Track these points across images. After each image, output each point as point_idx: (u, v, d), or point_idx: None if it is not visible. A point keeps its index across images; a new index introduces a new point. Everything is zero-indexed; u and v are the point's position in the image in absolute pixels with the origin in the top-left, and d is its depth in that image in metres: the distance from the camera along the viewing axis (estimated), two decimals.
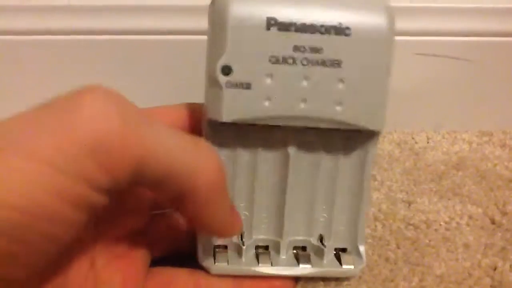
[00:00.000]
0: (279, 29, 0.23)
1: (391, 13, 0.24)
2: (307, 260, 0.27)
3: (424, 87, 0.41)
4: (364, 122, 0.24)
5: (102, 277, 0.24)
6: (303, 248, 0.27)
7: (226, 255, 0.26)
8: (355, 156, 0.26)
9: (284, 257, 0.27)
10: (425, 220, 0.32)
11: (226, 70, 0.23)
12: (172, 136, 0.21)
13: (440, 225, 0.31)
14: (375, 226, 0.31)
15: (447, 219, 0.32)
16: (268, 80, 0.23)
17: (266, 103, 0.23)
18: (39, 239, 0.18)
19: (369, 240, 0.30)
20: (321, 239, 0.27)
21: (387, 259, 0.29)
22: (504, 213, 0.32)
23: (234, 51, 0.23)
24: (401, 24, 0.39)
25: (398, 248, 0.30)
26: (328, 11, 0.23)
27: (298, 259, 0.27)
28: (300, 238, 0.27)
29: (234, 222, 0.24)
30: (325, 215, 0.27)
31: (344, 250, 0.27)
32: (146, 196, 0.26)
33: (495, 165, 0.37)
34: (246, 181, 0.26)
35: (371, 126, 0.25)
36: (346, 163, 0.26)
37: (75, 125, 0.18)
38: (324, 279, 0.27)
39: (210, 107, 0.24)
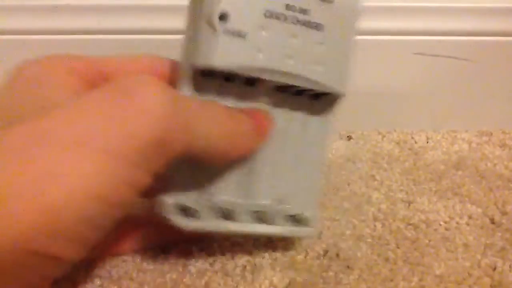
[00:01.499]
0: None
1: None
2: (267, 221, 0.28)
3: (423, 87, 0.41)
4: (334, 85, 0.27)
5: None
6: (263, 212, 0.28)
7: (189, 211, 0.26)
8: (317, 120, 0.28)
9: (245, 217, 0.27)
10: (424, 219, 0.32)
11: (224, 17, 0.23)
12: (216, 121, 0.23)
13: (440, 225, 0.31)
14: (375, 225, 0.31)
15: (446, 219, 0.32)
16: (262, 32, 0.24)
17: (258, 54, 0.24)
18: (109, 223, 0.20)
19: (369, 240, 0.30)
20: (280, 202, 0.28)
21: (386, 259, 0.29)
22: (504, 213, 0.32)
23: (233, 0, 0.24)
24: (400, 23, 0.39)
25: (398, 247, 0.30)
26: None
27: (259, 220, 0.28)
28: (262, 201, 0.28)
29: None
30: (286, 179, 0.28)
31: (301, 214, 0.29)
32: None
33: (495, 164, 0.37)
34: None
35: (339, 89, 0.27)
36: (310, 129, 0.28)
37: (142, 121, 0.20)
38: (323, 277, 0.27)
39: (198, 54, 0.24)
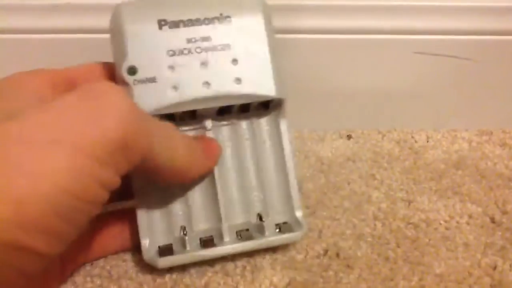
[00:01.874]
0: (170, 27, 0.26)
1: None
2: (249, 237, 0.28)
3: (424, 86, 0.41)
4: (261, 91, 0.27)
5: None
6: (246, 231, 0.29)
7: (171, 249, 0.28)
8: (268, 129, 0.30)
9: (227, 240, 0.28)
10: (425, 219, 0.32)
11: (132, 70, 0.26)
12: (161, 129, 0.24)
13: (440, 224, 0.31)
14: (375, 225, 0.31)
15: (447, 218, 0.32)
16: (171, 71, 0.26)
17: (173, 92, 0.26)
18: (82, 219, 0.21)
19: (369, 239, 0.30)
20: (260, 217, 0.28)
21: (387, 258, 0.29)
22: (504, 212, 0.32)
23: (135, 53, 0.26)
24: (400, 22, 0.39)
25: (398, 247, 0.30)
26: (210, 5, 0.27)
27: (241, 239, 0.28)
28: (240, 221, 0.29)
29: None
30: (258, 193, 0.29)
31: (285, 223, 0.29)
32: None
33: (495, 164, 0.37)
34: None
35: (270, 93, 0.28)
36: (262, 138, 0.29)
37: (110, 121, 0.21)
38: (323, 277, 0.27)
39: None
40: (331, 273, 0.28)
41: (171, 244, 0.28)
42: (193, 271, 0.28)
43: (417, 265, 0.28)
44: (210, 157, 0.27)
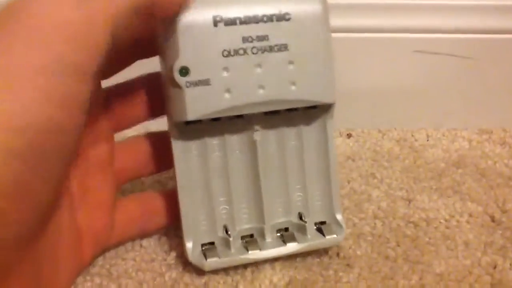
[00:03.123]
0: (226, 24, 0.24)
1: None
2: (293, 238, 0.28)
3: (424, 85, 0.41)
4: (318, 96, 0.26)
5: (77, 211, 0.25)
6: (286, 229, 0.28)
7: (215, 250, 0.27)
8: (315, 131, 0.28)
9: (270, 240, 0.28)
10: (425, 217, 0.32)
11: (184, 71, 0.24)
12: None
13: (440, 222, 0.31)
14: (375, 223, 0.31)
15: (447, 217, 0.32)
16: (225, 73, 0.25)
17: (227, 95, 0.25)
18: (51, 156, 0.18)
19: (369, 238, 0.30)
20: (300, 217, 0.28)
21: (387, 257, 0.29)
22: (504, 211, 0.32)
23: (188, 52, 0.24)
24: (400, 21, 0.39)
25: (398, 245, 0.30)
26: (267, 1, 0.25)
27: (283, 240, 0.28)
28: (281, 220, 0.29)
29: None
30: (300, 193, 0.29)
31: (323, 223, 0.29)
32: (105, 119, 0.27)
33: (495, 162, 0.37)
34: (220, 175, 0.28)
35: (325, 100, 0.26)
36: (309, 139, 0.28)
37: (38, 27, 0.18)
38: (323, 275, 0.27)
39: (174, 110, 0.25)
40: (331, 272, 0.28)
41: (214, 243, 0.27)
42: (193, 269, 0.28)
43: (417, 264, 0.28)
44: None
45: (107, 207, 0.27)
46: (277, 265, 0.28)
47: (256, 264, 0.28)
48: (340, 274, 0.28)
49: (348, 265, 0.28)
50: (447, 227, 0.31)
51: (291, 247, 0.28)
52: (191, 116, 0.25)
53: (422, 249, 0.29)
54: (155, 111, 0.28)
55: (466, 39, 0.39)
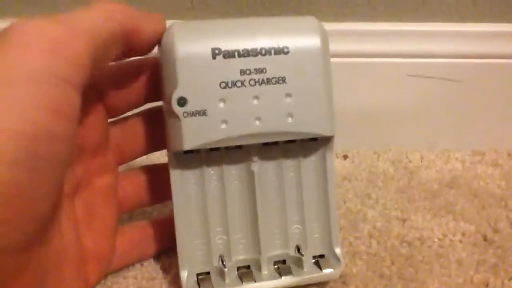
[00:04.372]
0: (224, 57, 0.25)
1: (323, 29, 0.27)
2: (289, 272, 0.28)
3: (417, 108, 0.42)
4: (315, 129, 0.26)
5: (81, 235, 0.26)
6: (283, 262, 0.28)
7: (210, 281, 0.27)
8: (314, 163, 0.28)
9: (266, 272, 0.28)
10: (419, 237, 0.32)
11: (182, 102, 0.25)
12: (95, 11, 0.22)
13: (434, 241, 0.32)
14: (370, 243, 0.32)
15: (440, 236, 0.32)
16: (222, 104, 0.25)
17: (223, 126, 0.25)
18: (48, 164, 0.19)
19: (364, 257, 0.31)
20: (298, 249, 0.28)
21: (381, 275, 0.29)
22: (496, 231, 0.33)
23: (186, 83, 0.24)
24: (394, 46, 0.40)
25: (393, 264, 0.30)
26: (266, 35, 0.25)
27: (279, 272, 0.28)
28: (278, 252, 0.28)
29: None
30: (298, 226, 0.28)
31: (322, 256, 0.28)
32: (110, 151, 0.28)
33: (487, 183, 0.38)
34: (217, 205, 0.28)
35: (322, 132, 0.27)
36: (308, 171, 0.28)
37: (27, 43, 0.19)
38: None
39: (171, 140, 0.26)
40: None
41: (209, 273, 0.27)
42: None
43: (411, 281, 0.29)
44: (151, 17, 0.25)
45: (111, 234, 0.28)
46: None
47: None
48: None
49: (344, 283, 0.29)
50: (440, 246, 0.32)
51: (287, 280, 0.27)
52: (187, 145, 0.25)
53: (416, 268, 0.30)
54: (157, 145, 0.29)
55: (458, 64, 0.40)
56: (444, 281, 0.29)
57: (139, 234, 0.30)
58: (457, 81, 0.41)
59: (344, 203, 0.36)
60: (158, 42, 0.25)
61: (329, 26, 0.37)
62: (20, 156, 0.18)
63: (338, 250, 0.28)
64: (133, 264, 0.30)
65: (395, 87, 0.41)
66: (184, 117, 0.25)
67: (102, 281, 0.29)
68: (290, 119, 0.26)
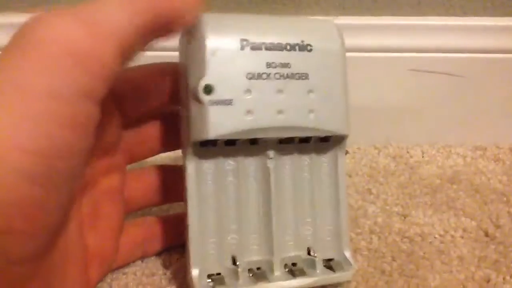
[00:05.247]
0: (252, 48, 0.25)
1: (341, 31, 0.27)
2: (302, 273, 0.27)
3: (419, 103, 0.41)
4: (333, 127, 0.27)
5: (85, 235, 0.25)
6: (294, 264, 0.28)
7: (223, 281, 0.26)
8: (327, 164, 0.28)
9: (278, 274, 0.27)
10: (420, 233, 0.32)
11: (208, 89, 0.24)
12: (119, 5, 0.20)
13: (435, 237, 0.32)
14: (371, 238, 0.32)
15: (441, 232, 0.32)
16: (247, 95, 0.25)
17: (248, 117, 0.25)
18: (62, 178, 0.19)
19: (365, 253, 0.31)
20: (309, 251, 0.28)
21: (382, 271, 0.29)
22: (498, 226, 0.33)
23: (214, 71, 0.24)
24: (395, 41, 0.40)
25: (394, 260, 0.30)
26: (291, 32, 0.26)
27: (292, 274, 0.27)
28: (290, 254, 0.28)
29: None
30: (310, 227, 0.28)
31: (331, 259, 0.28)
32: (119, 150, 0.27)
33: (489, 179, 0.38)
34: (232, 203, 0.27)
35: (340, 131, 0.27)
36: (320, 173, 0.28)
37: (45, 50, 0.18)
38: None
39: (193, 129, 0.25)
40: (328, 286, 0.28)
41: (221, 274, 0.27)
42: None
43: (412, 278, 0.29)
44: None
45: (115, 232, 0.28)
46: None
47: None
48: (337, 287, 0.28)
49: None
50: (441, 242, 0.32)
51: (300, 281, 0.27)
52: (212, 134, 0.25)
53: (417, 264, 0.30)
54: (167, 146, 0.29)
55: (459, 58, 0.40)
56: (445, 277, 0.29)
57: (142, 233, 0.30)
58: (459, 75, 0.41)
59: None
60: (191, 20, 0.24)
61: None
62: (36, 171, 0.18)
63: (348, 254, 0.28)
64: (134, 262, 0.30)
65: (396, 82, 0.41)
66: (210, 105, 0.24)
67: (103, 278, 0.29)
68: (311, 115, 0.26)
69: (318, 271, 0.27)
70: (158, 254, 0.30)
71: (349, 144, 0.42)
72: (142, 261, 0.30)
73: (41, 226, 0.19)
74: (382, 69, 0.40)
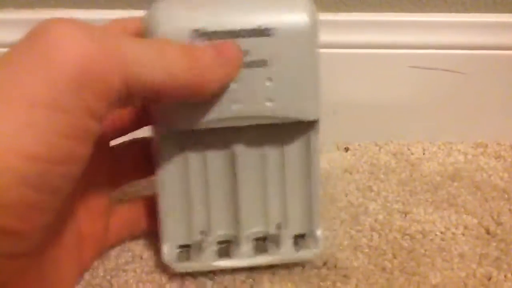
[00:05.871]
0: (204, 39, 0.24)
1: (312, 7, 0.25)
2: (264, 250, 0.28)
3: (420, 99, 0.41)
4: (296, 113, 0.26)
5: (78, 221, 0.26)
6: (263, 240, 0.29)
7: (188, 253, 0.28)
8: (298, 145, 0.28)
9: (245, 249, 0.28)
10: (421, 230, 0.32)
11: None
12: (145, 45, 0.21)
13: (436, 235, 0.32)
14: (372, 236, 0.32)
15: (442, 229, 0.32)
16: None
17: (202, 108, 0.25)
18: (58, 182, 0.19)
19: (366, 250, 0.31)
20: (279, 227, 0.28)
21: (383, 269, 0.29)
22: (499, 223, 0.33)
23: None
24: (395, 37, 0.40)
25: (394, 257, 0.30)
26: (248, 16, 0.24)
27: (256, 251, 0.28)
28: (259, 229, 0.29)
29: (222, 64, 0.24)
30: (280, 205, 0.29)
31: (303, 236, 0.29)
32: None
33: (490, 176, 0.38)
34: (200, 183, 0.28)
35: (304, 117, 0.26)
36: (291, 153, 0.28)
37: (56, 62, 0.18)
38: (321, 287, 0.28)
39: (156, 119, 0.26)
40: (329, 283, 0.28)
41: (189, 246, 0.28)
42: (192, 284, 0.28)
43: (413, 275, 0.29)
44: (225, 63, 0.23)
45: (105, 212, 0.28)
46: (276, 278, 0.29)
47: (254, 277, 0.29)
48: (338, 285, 0.28)
49: (345, 276, 0.29)
50: (442, 239, 0.31)
51: (261, 259, 0.28)
52: (169, 126, 0.25)
53: (418, 261, 0.30)
54: (146, 172, 0.30)
55: (460, 55, 0.40)
56: (447, 274, 0.29)
57: (130, 213, 0.30)
58: (460, 72, 0.40)
59: (346, 196, 0.36)
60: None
61: (329, 16, 0.36)
62: (31, 176, 0.18)
63: (319, 232, 0.29)
64: (123, 242, 0.30)
65: (397, 79, 0.41)
66: None
67: (101, 275, 0.29)
68: (269, 103, 0.25)
69: (282, 249, 0.28)
70: (157, 251, 0.30)
71: (350, 141, 0.42)
72: (141, 258, 0.30)
73: (35, 226, 0.19)
74: (381, 65, 0.40)
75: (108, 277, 0.29)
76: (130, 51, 0.20)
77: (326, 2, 0.39)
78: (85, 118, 0.19)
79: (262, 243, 0.29)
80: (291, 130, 0.28)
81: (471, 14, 0.40)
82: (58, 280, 0.24)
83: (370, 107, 0.41)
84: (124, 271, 0.29)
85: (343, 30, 0.39)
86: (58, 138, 0.18)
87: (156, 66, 0.20)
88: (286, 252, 0.28)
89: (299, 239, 0.29)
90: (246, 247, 0.28)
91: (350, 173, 0.38)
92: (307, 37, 0.25)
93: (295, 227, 0.29)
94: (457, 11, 0.40)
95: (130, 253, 0.30)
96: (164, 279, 0.29)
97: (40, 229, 0.19)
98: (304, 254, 0.28)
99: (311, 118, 0.26)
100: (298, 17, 0.24)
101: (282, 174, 0.28)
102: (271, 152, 0.28)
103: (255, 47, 0.24)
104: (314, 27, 0.25)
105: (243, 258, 0.28)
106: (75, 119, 0.18)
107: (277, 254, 0.28)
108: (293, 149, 0.28)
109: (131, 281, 0.28)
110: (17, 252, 0.19)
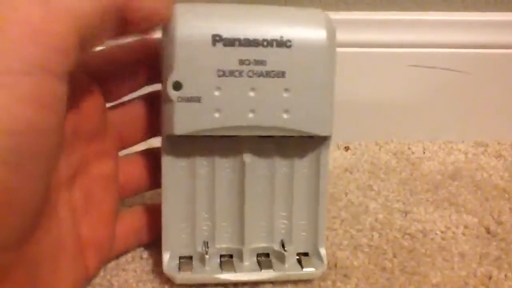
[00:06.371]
0: (224, 45, 0.24)
1: (330, 24, 0.25)
2: (269, 265, 0.28)
3: (420, 98, 0.41)
4: (311, 128, 0.26)
5: (79, 224, 0.25)
6: (266, 255, 0.28)
7: (190, 265, 0.27)
8: (308, 161, 0.28)
9: (247, 263, 0.28)
10: (421, 229, 0.32)
11: (177, 86, 0.24)
12: None
13: (436, 234, 0.32)
14: (372, 235, 0.32)
15: (443, 229, 0.32)
16: (217, 93, 0.25)
17: (216, 115, 0.25)
18: (27, 160, 0.18)
19: (366, 249, 0.31)
20: (282, 244, 0.28)
21: (383, 268, 0.29)
22: (499, 223, 0.33)
23: (183, 67, 0.24)
24: (395, 36, 0.40)
25: (395, 257, 0.30)
26: (270, 26, 0.24)
27: (260, 266, 0.28)
28: (262, 245, 0.28)
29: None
30: (285, 221, 0.28)
31: (306, 254, 0.28)
32: (109, 137, 0.27)
33: (490, 175, 0.38)
34: (206, 192, 0.28)
35: (318, 132, 0.26)
36: (301, 167, 0.28)
37: (7, 26, 0.18)
38: (321, 286, 0.28)
39: (164, 123, 0.25)
40: (329, 282, 0.28)
41: (191, 258, 0.28)
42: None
43: (414, 275, 0.29)
44: None
45: (110, 220, 0.27)
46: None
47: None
48: (338, 284, 0.28)
49: (345, 275, 0.29)
50: (443, 239, 0.31)
51: (266, 274, 0.27)
52: (178, 130, 0.25)
53: (418, 261, 0.30)
54: (157, 129, 0.28)
55: (461, 54, 0.40)
56: (447, 274, 0.29)
57: (137, 221, 0.30)
58: (460, 71, 0.40)
59: (346, 195, 0.35)
60: (160, 22, 0.24)
61: (329, 15, 0.36)
62: (4, 154, 0.17)
63: (322, 251, 0.28)
64: (131, 251, 0.30)
65: (397, 78, 0.41)
66: (178, 101, 0.24)
67: (102, 274, 0.29)
68: (285, 115, 0.25)
69: (286, 266, 0.28)
70: (158, 250, 0.30)
71: (350, 140, 0.42)
72: (141, 258, 0.30)
73: (14, 212, 0.18)
74: (381, 64, 0.40)
75: (108, 277, 0.29)
76: (65, 1, 0.19)
77: (326, 1, 0.39)
78: (44, 77, 0.18)
79: (263, 258, 0.28)
80: (302, 144, 0.27)
81: (471, 13, 0.40)
82: (55, 285, 0.24)
83: (370, 106, 0.41)
84: (124, 270, 0.29)
85: (343, 29, 0.39)
86: (20, 106, 0.17)
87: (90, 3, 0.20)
88: (290, 269, 0.28)
89: (303, 256, 0.28)
90: (250, 261, 0.28)
91: (351, 172, 0.38)
92: (325, 53, 0.25)
93: (299, 245, 0.28)
94: (458, 9, 0.40)
95: (130, 253, 0.30)
96: (164, 279, 0.29)
97: (21, 218, 0.19)
98: (308, 272, 0.28)
99: (324, 133, 0.26)
100: (318, 32, 0.25)
101: (290, 188, 0.28)
102: (281, 165, 0.28)
103: (275, 58, 0.24)
104: (331, 42, 0.25)
105: (248, 272, 0.27)
106: (33, 79, 0.18)
107: (282, 270, 0.27)
108: (303, 164, 0.28)
109: (131, 280, 0.28)
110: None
